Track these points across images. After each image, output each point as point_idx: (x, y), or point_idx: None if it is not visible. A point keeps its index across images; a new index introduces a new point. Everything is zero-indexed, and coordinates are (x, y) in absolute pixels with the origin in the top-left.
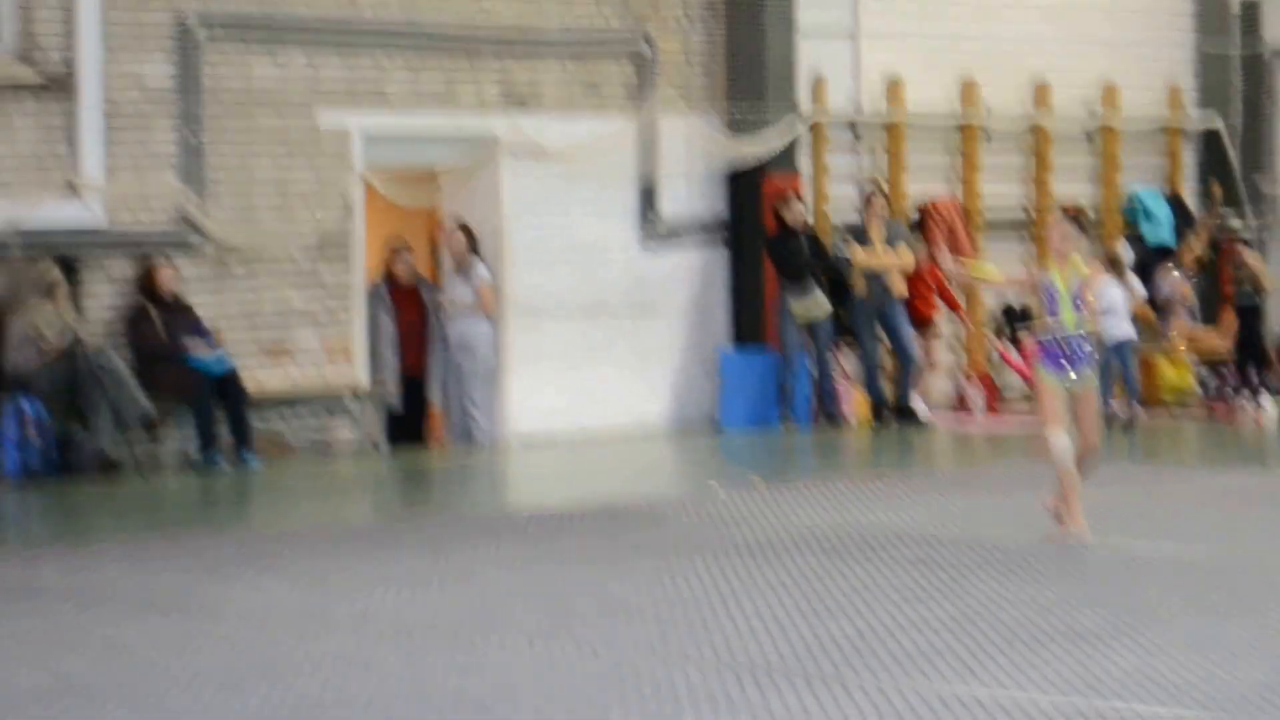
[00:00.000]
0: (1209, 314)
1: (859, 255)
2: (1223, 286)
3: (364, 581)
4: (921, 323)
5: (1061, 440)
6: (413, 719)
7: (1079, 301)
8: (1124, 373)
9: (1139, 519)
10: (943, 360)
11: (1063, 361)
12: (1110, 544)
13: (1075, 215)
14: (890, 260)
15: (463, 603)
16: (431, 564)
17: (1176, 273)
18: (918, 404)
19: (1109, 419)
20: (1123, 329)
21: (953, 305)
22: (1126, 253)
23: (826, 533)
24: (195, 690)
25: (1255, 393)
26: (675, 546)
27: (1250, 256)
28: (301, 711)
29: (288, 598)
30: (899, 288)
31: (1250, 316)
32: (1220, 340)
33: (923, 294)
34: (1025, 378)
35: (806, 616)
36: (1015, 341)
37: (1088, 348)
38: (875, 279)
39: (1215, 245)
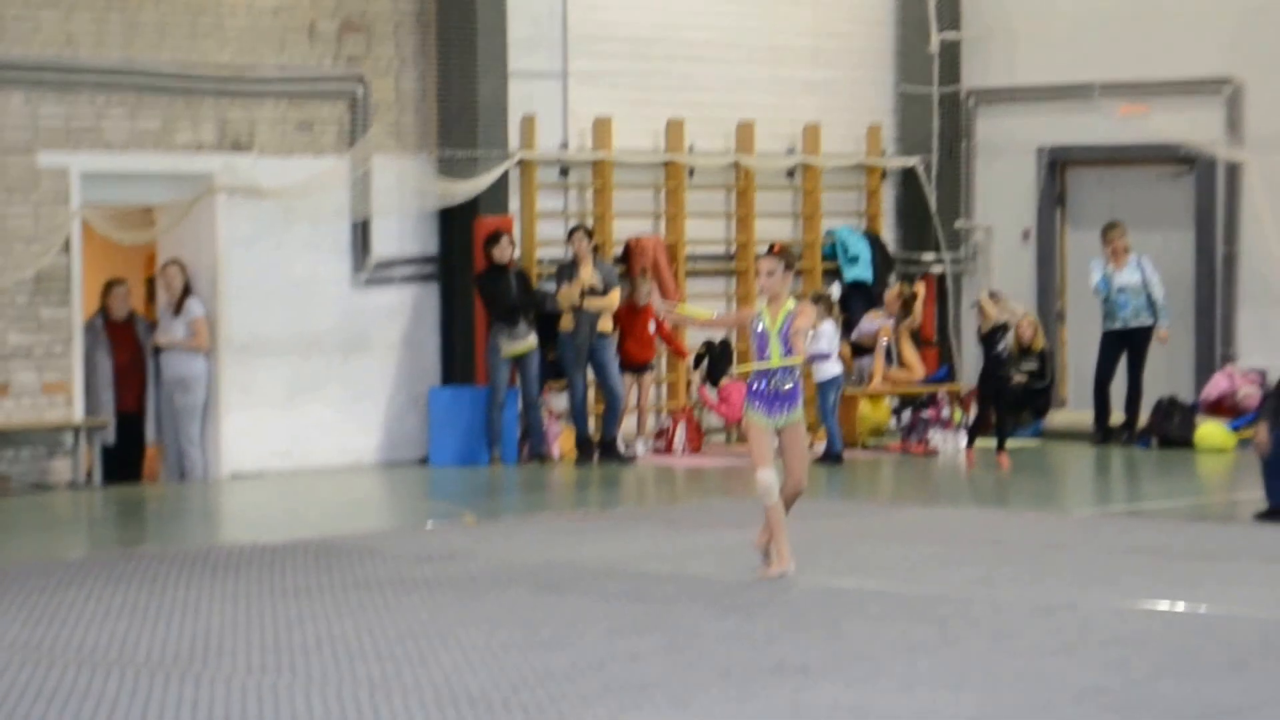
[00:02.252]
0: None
1: (566, 293)
2: (923, 327)
3: (86, 615)
4: (637, 365)
5: (769, 478)
6: None
7: (787, 341)
8: (824, 410)
9: (843, 555)
10: (650, 399)
11: (771, 401)
12: (816, 579)
13: (783, 254)
14: (598, 300)
15: (184, 636)
16: (152, 598)
17: (879, 313)
18: (623, 442)
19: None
20: (830, 368)
21: (676, 348)
22: (834, 291)
23: (536, 567)
24: None
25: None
26: (390, 581)
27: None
28: None
29: (10, 631)
30: (605, 325)
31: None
32: (912, 378)
33: (639, 336)
34: (723, 416)
35: (521, 649)
36: (714, 380)
37: (795, 387)
38: (584, 317)
39: (910, 282)
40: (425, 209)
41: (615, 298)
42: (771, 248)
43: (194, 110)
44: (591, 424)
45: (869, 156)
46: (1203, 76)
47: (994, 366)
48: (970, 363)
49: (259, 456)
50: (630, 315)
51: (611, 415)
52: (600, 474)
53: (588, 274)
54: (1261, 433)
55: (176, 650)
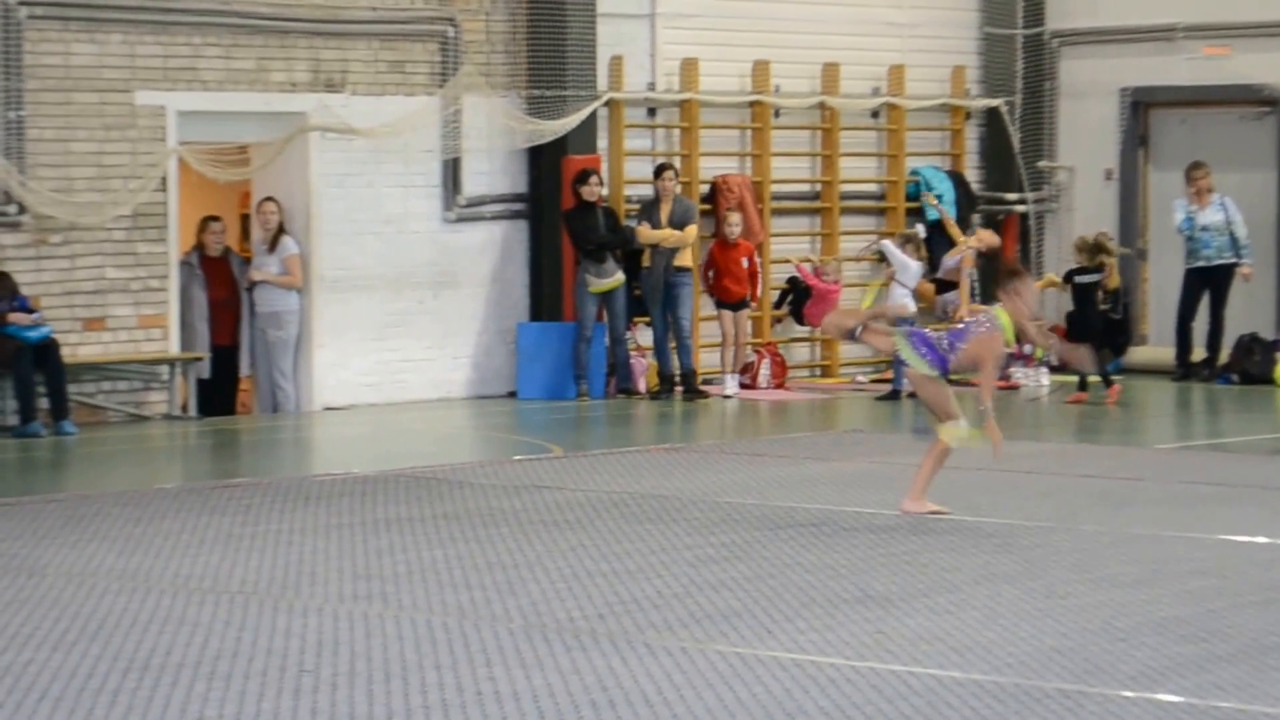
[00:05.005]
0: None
1: (644, 231)
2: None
3: (181, 544)
4: (733, 302)
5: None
6: (233, 676)
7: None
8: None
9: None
10: (744, 335)
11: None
12: (900, 512)
13: None
14: (673, 236)
15: (277, 565)
16: (245, 528)
17: (966, 250)
18: (726, 378)
19: (894, 394)
20: (908, 307)
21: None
22: (919, 230)
23: (623, 499)
24: (25, 648)
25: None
26: (479, 512)
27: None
28: (128, 669)
29: (109, 559)
30: (684, 260)
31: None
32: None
33: (734, 273)
34: (817, 292)
35: (607, 578)
36: (798, 316)
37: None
38: (659, 253)
39: (996, 223)
40: (514, 148)
41: (691, 233)
42: None
43: (288, 50)
44: (675, 360)
45: (953, 97)
46: None
47: (1080, 306)
48: (1050, 300)
49: (350, 390)
50: (723, 252)
51: (682, 351)
52: (685, 408)
53: (666, 212)
54: None
55: (270, 578)
